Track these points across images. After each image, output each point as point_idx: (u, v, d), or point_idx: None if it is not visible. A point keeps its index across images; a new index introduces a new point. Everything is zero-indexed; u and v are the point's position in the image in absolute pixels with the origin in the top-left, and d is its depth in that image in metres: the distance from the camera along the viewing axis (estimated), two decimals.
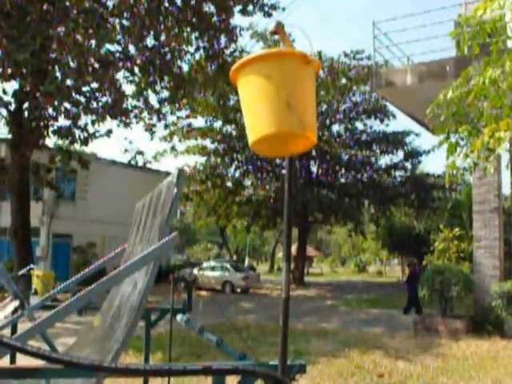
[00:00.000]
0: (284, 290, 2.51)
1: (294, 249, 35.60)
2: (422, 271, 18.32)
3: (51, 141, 21.35)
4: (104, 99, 19.17)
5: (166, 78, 19.97)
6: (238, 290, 29.10)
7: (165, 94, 21.04)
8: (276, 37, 2.52)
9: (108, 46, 18.16)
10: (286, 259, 2.55)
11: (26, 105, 18.88)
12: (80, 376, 2.42)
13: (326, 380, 8.71)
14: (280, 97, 2.14)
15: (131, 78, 20.23)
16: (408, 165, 35.47)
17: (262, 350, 10.29)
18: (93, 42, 17.24)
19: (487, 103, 6.05)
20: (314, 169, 35.41)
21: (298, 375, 2.72)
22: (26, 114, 19.05)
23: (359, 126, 35.42)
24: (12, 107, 18.89)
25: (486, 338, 12.75)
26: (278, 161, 33.16)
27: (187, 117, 29.18)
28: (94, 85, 18.57)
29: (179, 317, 4.72)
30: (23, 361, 1.89)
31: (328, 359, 10.36)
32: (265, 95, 2.16)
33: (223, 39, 20.76)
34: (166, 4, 19.02)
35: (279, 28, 2.45)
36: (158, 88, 20.56)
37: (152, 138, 23.03)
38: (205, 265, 32.27)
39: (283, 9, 21.28)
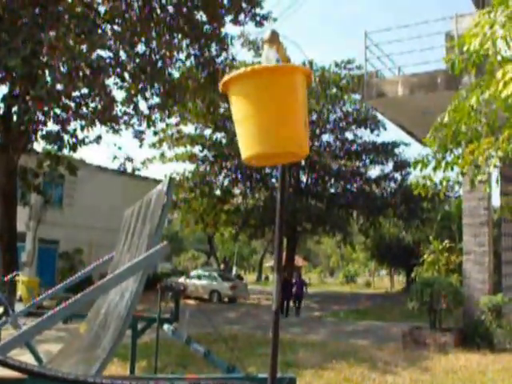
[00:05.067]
0: (275, 302, 2.44)
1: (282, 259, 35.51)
2: (302, 283, 24.26)
3: (39, 146, 21.19)
4: (94, 105, 19.06)
5: (156, 84, 19.89)
6: (226, 300, 28.95)
7: (155, 100, 20.97)
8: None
9: (99, 51, 18.08)
10: (278, 270, 2.47)
11: (14, 108, 18.72)
12: None
13: None
14: (275, 113, 2.08)
15: (121, 84, 20.13)
16: (398, 175, 35.60)
17: (249, 361, 10.18)
18: (84, 47, 17.15)
19: (462, 123, 6.17)
20: (303, 178, 35.42)
21: None
22: (14, 117, 18.89)
23: (349, 136, 35.55)
24: (0, 111, 18.73)
25: (475, 352, 12.69)
26: (267, 170, 33.14)
27: (177, 124, 29.13)
28: (85, 90, 18.46)
29: (166, 327, 4.63)
30: (7, 371, 1.80)
31: (316, 371, 10.25)
32: (258, 111, 2.09)
33: (214, 47, 20.76)
34: (158, 11, 18.99)
35: (274, 37, 2.39)
36: (148, 95, 20.47)
37: (141, 145, 22.91)
38: (192, 273, 32.12)
39: (275, 19, 21.28)
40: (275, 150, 2.11)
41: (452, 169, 6.86)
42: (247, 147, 2.14)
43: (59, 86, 17.20)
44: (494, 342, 13.22)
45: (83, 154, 25.36)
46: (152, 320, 5.03)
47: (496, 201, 19.35)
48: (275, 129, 2.09)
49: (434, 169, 6.89)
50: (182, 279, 30.39)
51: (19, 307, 5.69)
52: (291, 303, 23.35)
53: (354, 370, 10.44)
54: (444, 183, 7.48)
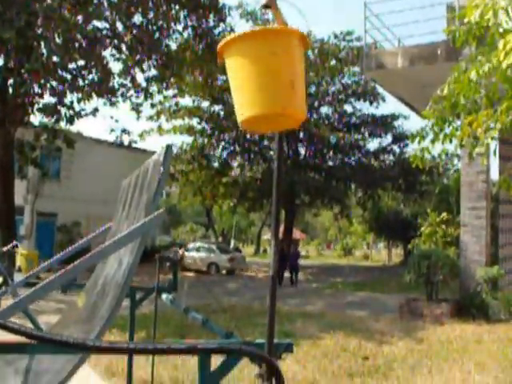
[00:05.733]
0: (272, 268, 2.45)
1: (280, 231, 35.52)
2: (297, 254, 25.81)
3: (36, 119, 21.11)
4: (90, 77, 18.93)
5: (153, 56, 19.73)
6: (224, 272, 29.10)
7: (152, 72, 20.82)
8: (267, 15, 2.42)
9: (95, 22, 17.90)
10: (275, 236, 2.47)
11: (10, 81, 18.57)
12: (64, 352, 2.35)
13: (310, 361, 8.71)
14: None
15: (118, 56, 19.95)
16: (396, 148, 35.58)
17: (247, 330, 10.28)
18: (80, 18, 16.96)
19: (461, 95, 6.15)
20: (301, 151, 35.38)
21: (284, 354, 2.67)
22: (10, 90, 18.75)
23: (348, 108, 35.43)
24: None
25: (471, 322, 12.82)
26: (265, 142, 33.08)
27: (174, 96, 29.00)
28: (81, 62, 18.31)
29: (164, 296, 4.65)
30: (5, 336, 1.82)
31: (313, 341, 10.37)
32: (252, 75, 2.07)
33: (212, 18, 20.56)
34: None
35: (272, 2, 2.35)
36: (145, 66, 20.31)
37: (138, 118, 22.82)
38: (190, 246, 32.23)
39: None
40: (268, 111, 2.09)
41: (450, 141, 6.84)
42: (241, 111, 2.14)
43: (55, 58, 17.06)
44: (489, 313, 13.35)
45: (80, 127, 25.32)
46: (150, 290, 5.04)
47: (495, 174, 19.38)
48: (268, 92, 2.07)
49: (433, 141, 6.87)
50: (180, 251, 30.50)
51: (18, 278, 5.72)
52: (288, 274, 23.89)
53: (350, 340, 10.56)
54: (443, 156, 7.51)
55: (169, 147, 3.00)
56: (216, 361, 2.09)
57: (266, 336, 2.33)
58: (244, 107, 2.12)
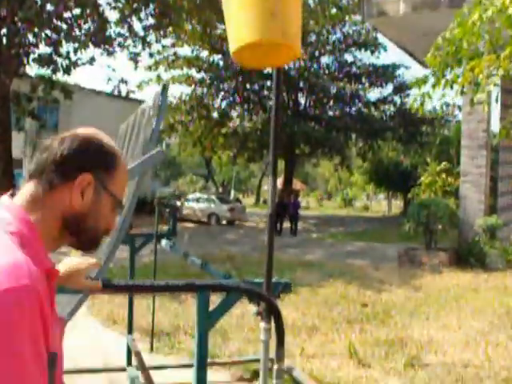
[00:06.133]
0: (270, 206, 2.43)
1: (280, 182, 35.60)
2: (297, 204, 25.43)
3: (32, 70, 20.79)
4: (86, 26, 18.57)
5: (151, 4, 19.32)
6: (224, 222, 29.23)
7: (150, 21, 20.41)
8: None
9: None
10: (273, 172, 2.44)
11: (3, 31, 18.21)
12: (65, 292, 2.34)
13: (310, 308, 8.81)
14: (265, 5, 2.01)
15: (114, 5, 19.53)
16: (397, 99, 35.28)
17: (247, 278, 10.38)
18: None
19: (464, 40, 6.05)
20: (301, 101, 35.08)
21: (284, 299, 2.67)
22: (4, 40, 18.41)
23: (349, 58, 35.01)
24: None
25: (469, 271, 12.94)
26: (265, 92, 32.79)
27: (173, 45, 28.56)
28: (76, 11, 17.94)
29: (164, 242, 4.65)
30: None
31: (313, 289, 10.48)
32: (249, 2, 2.03)
33: None
34: None
35: None
36: (142, 15, 19.90)
37: (136, 68, 22.50)
38: (191, 196, 32.27)
39: None
40: (249, 40, 2.04)
41: (451, 87, 6.75)
42: (230, 44, 2.11)
43: (49, 7, 16.70)
44: (486, 262, 13.46)
45: (78, 79, 25.00)
46: (150, 236, 5.03)
47: (495, 127, 19.26)
48: (247, 21, 2.03)
49: (433, 86, 6.78)
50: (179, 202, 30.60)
51: None
52: (288, 224, 24.10)
53: (350, 288, 10.67)
54: (443, 107, 7.42)
55: (165, 86, 2.94)
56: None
57: (264, 274, 2.33)
58: (231, 39, 2.09)
